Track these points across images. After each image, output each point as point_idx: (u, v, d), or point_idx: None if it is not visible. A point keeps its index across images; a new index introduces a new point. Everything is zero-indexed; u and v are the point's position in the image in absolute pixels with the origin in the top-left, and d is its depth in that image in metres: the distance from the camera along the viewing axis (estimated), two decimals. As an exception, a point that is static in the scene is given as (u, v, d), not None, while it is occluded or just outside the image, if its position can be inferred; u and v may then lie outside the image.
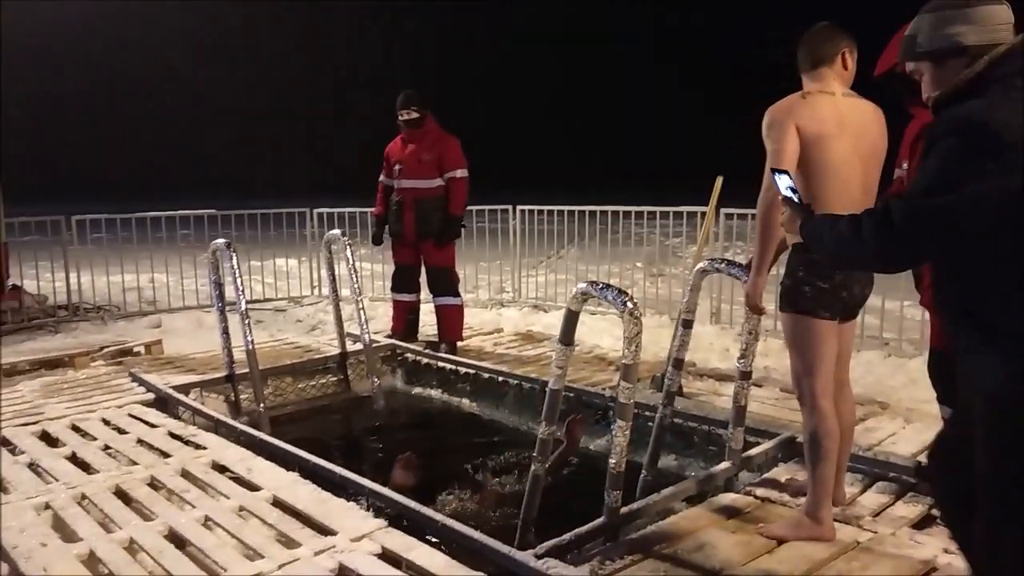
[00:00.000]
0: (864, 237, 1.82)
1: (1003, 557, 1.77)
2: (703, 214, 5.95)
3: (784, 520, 2.85)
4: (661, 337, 5.72)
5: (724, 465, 3.31)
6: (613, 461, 2.70)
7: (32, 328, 7.15)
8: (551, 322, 6.92)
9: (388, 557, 2.63)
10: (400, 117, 5.85)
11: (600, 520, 2.75)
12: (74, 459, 3.67)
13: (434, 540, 2.77)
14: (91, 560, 2.68)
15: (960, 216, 1.68)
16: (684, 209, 7.08)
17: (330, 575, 2.53)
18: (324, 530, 2.84)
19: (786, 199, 2.25)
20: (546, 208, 8.10)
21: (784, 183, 2.28)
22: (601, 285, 2.73)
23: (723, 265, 3.31)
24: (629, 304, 2.60)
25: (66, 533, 2.90)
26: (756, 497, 3.12)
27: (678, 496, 3.14)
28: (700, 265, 3.42)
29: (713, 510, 3.01)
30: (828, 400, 2.72)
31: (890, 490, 3.17)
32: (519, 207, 8.17)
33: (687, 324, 3.47)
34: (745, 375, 3.21)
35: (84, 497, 3.19)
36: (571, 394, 4.39)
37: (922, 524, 2.89)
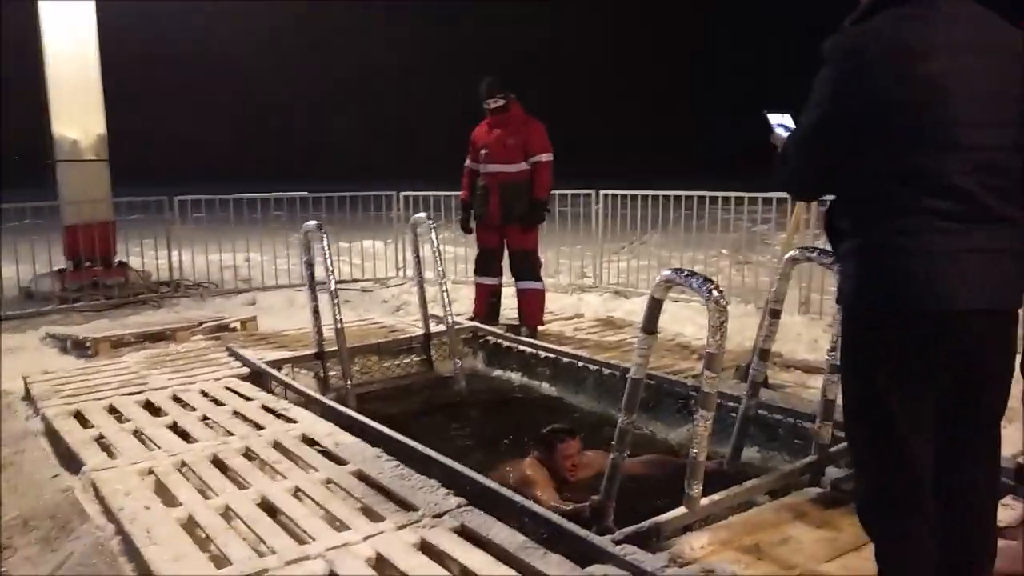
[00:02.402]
0: (777, 168, 2.05)
1: (850, 444, 2.07)
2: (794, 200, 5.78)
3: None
4: (746, 326, 5.60)
5: (810, 459, 3.23)
6: (695, 451, 2.67)
7: (136, 303, 7.56)
8: (632, 308, 6.87)
9: (468, 535, 2.68)
10: (486, 105, 5.88)
11: (680, 509, 2.73)
12: (175, 428, 3.88)
13: (513, 520, 2.80)
14: (190, 524, 2.84)
15: (822, 134, 1.89)
16: (773, 195, 6.88)
17: (413, 549, 2.60)
18: (407, 505, 2.92)
19: (776, 136, 2.27)
20: (629, 193, 8.02)
21: (776, 120, 2.30)
22: (686, 272, 2.68)
23: (815, 254, 3.22)
24: (714, 292, 2.55)
25: (167, 498, 3.07)
26: (842, 492, 3.03)
27: (761, 489, 3.08)
28: (791, 253, 3.33)
29: (797, 504, 2.95)
30: None
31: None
32: (602, 191, 8.12)
33: (775, 314, 3.39)
34: (835, 368, 3.11)
35: (184, 464, 3.38)
36: (652, 382, 4.36)
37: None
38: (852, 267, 1.90)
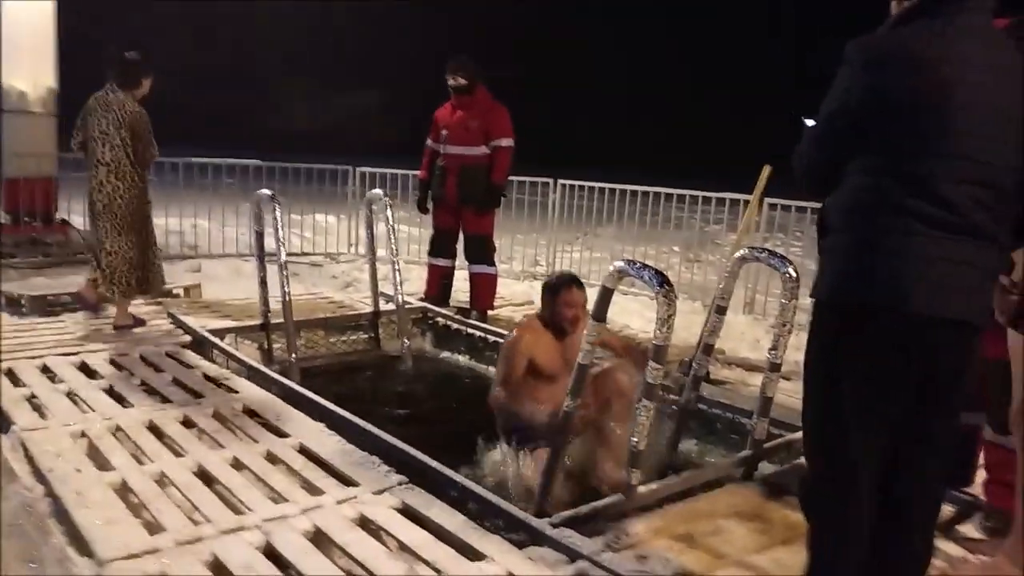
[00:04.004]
0: (795, 163, 2.08)
1: (804, 431, 2.08)
2: (746, 202, 5.90)
3: (978, 563, 2.58)
4: (692, 323, 5.70)
5: (745, 454, 3.32)
6: (635, 440, 2.72)
7: (77, 263, 7.31)
8: (583, 298, 6.92)
9: (408, 513, 2.69)
10: (448, 81, 5.85)
11: (617, 496, 2.79)
12: (111, 392, 3.79)
13: (453, 500, 2.81)
14: (122, 489, 2.78)
15: (831, 129, 1.96)
16: (727, 196, 7.01)
17: (352, 524, 2.59)
18: (347, 481, 2.91)
19: None
20: (587, 184, 8.07)
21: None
22: (638, 264, 2.73)
23: (764, 254, 3.29)
24: (664, 285, 2.60)
25: (99, 461, 3.01)
26: (775, 486, 3.12)
27: (697, 480, 3.15)
28: (740, 252, 3.40)
29: (731, 496, 3.03)
30: None
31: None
32: (560, 181, 8.15)
33: (720, 310, 3.45)
34: (775, 367, 3.20)
35: (119, 429, 3.30)
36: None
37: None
38: (831, 262, 1.95)
